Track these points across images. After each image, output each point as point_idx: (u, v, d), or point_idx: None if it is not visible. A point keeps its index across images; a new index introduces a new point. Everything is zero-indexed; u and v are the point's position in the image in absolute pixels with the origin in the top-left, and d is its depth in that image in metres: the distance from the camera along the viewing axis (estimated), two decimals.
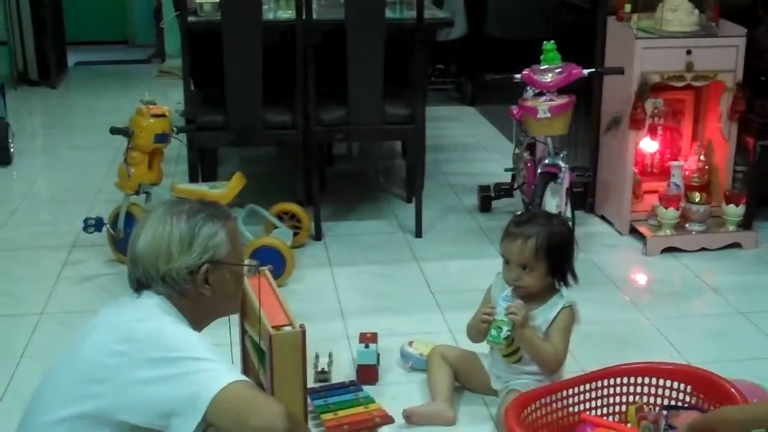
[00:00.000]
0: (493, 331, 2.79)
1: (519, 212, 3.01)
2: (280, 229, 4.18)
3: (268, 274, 3.03)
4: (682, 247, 4.32)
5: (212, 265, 2.06)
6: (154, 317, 1.98)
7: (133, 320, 1.98)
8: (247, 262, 2.27)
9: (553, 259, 2.81)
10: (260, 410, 1.83)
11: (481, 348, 3.03)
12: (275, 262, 3.73)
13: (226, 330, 2.59)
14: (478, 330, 2.89)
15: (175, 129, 4.08)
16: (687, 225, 4.40)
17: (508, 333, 2.77)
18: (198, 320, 2.11)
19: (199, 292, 2.06)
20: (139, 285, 2.09)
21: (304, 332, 2.68)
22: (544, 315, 2.84)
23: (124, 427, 1.92)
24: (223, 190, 3.96)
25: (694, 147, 4.61)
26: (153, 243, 2.04)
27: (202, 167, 4.63)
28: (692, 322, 3.67)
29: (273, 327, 2.68)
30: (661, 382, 2.74)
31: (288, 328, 2.70)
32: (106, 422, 1.90)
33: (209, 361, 1.89)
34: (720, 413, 2.41)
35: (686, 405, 2.69)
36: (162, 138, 4.00)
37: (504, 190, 4.82)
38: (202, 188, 3.99)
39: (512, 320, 2.75)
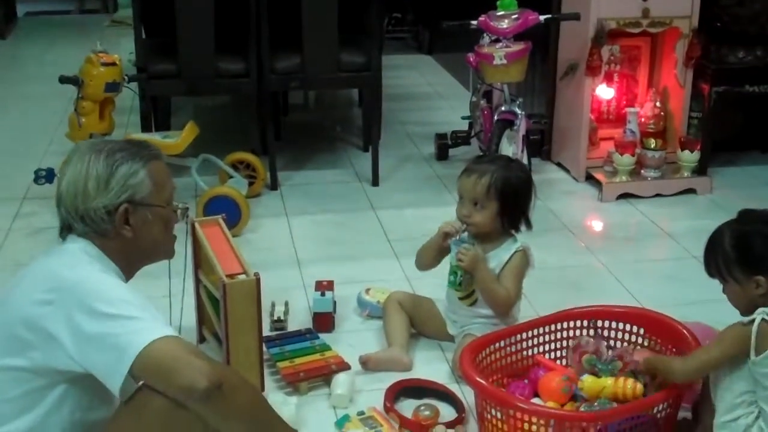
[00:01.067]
0: (450, 277, 2.81)
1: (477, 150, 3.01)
2: (235, 178, 4.14)
3: (222, 223, 3.00)
4: (638, 193, 4.35)
5: (132, 205, 2.00)
6: (80, 264, 1.93)
7: (59, 266, 1.94)
8: (175, 205, 2.18)
9: (505, 201, 2.80)
10: (183, 368, 1.78)
11: (437, 294, 3.04)
12: (230, 212, 3.68)
13: (176, 281, 2.57)
14: (429, 253, 2.93)
15: (126, 78, 4.01)
16: (642, 171, 4.42)
17: (461, 278, 2.78)
18: (127, 264, 2.05)
19: (118, 233, 2.00)
20: (64, 228, 2.04)
21: (258, 280, 2.66)
22: (497, 258, 2.84)
23: (60, 377, 1.89)
24: (176, 140, 3.91)
25: (650, 94, 4.61)
26: (72, 182, 1.99)
27: (155, 117, 4.56)
28: (647, 266, 3.70)
29: (227, 275, 2.66)
30: (614, 324, 2.75)
31: (242, 276, 2.68)
32: (41, 372, 1.88)
33: (136, 317, 1.83)
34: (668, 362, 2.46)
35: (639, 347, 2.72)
36: (113, 87, 3.93)
37: (461, 138, 4.81)
38: (155, 138, 3.92)
39: (459, 265, 2.75)
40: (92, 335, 1.82)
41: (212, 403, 1.79)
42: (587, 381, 2.47)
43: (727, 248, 2.32)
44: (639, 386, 2.41)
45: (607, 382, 2.44)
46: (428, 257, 2.97)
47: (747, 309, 2.30)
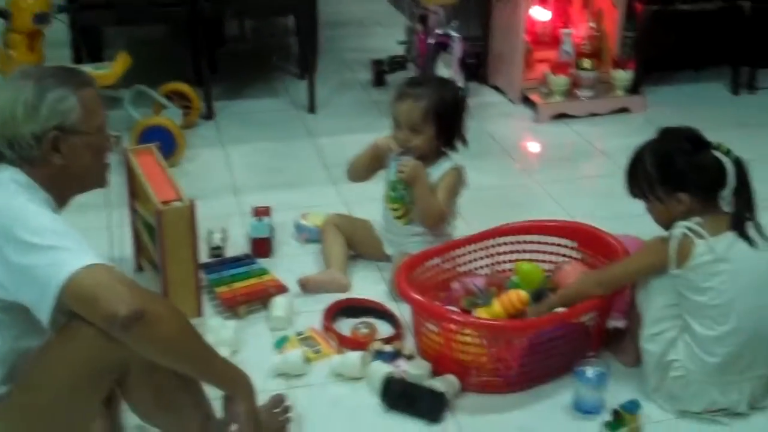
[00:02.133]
0: (391, 192, 2.84)
1: (413, 76, 3.00)
2: (169, 109, 4.09)
3: (156, 151, 2.98)
4: (573, 113, 4.39)
5: (61, 132, 1.97)
6: (7, 193, 1.91)
7: None
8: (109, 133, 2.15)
9: (442, 123, 2.82)
10: (105, 295, 1.75)
11: (374, 216, 3.06)
12: (165, 142, 3.65)
13: (114, 212, 2.55)
14: (361, 162, 2.96)
15: (55, 8, 3.92)
16: (577, 91, 4.46)
17: (403, 191, 2.80)
18: (59, 193, 2.02)
19: (48, 161, 1.97)
20: None
21: (193, 206, 2.66)
22: (431, 176, 2.86)
23: None
24: (108, 71, 3.85)
25: (584, 14, 4.63)
26: (0, 109, 1.96)
27: (87, 49, 4.47)
28: (582, 184, 3.76)
29: (161, 202, 2.65)
30: (547, 239, 2.80)
31: (177, 203, 2.67)
32: None
33: (60, 247, 1.79)
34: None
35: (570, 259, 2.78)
36: (41, 18, 3.83)
37: (398, 63, 4.79)
38: (85, 69, 3.84)
39: (400, 178, 2.77)
40: (18, 266, 1.80)
41: (134, 332, 1.76)
42: (481, 313, 2.51)
43: (648, 168, 2.36)
44: (521, 293, 2.48)
45: (495, 306, 2.49)
46: (361, 166, 2.99)
47: (670, 226, 2.35)
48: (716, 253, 2.24)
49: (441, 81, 3.06)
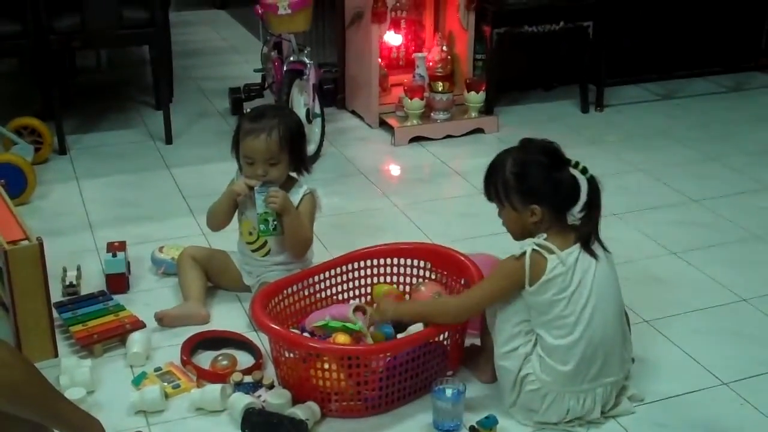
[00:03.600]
0: (262, 226, 2.81)
1: (248, 110, 2.99)
2: (19, 145, 3.98)
3: (1, 190, 2.90)
4: (429, 136, 4.47)
5: None
6: None
7: None
8: None
9: (293, 149, 2.83)
10: None
11: (232, 246, 3.04)
12: (15, 179, 3.57)
13: None
14: (221, 210, 2.93)
15: None
16: (432, 114, 4.54)
17: (275, 222, 2.79)
18: None
19: None
20: None
21: (41, 244, 2.58)
22: None
23: None
24: None
25: (436, 38, 4.73)
26: None
27: None
28: (439, 205, 3.83)
29: (8, 242, 2.57)
30: (402, 261, 2.85)
31: (25, 242, 2.59)
32: None
33: None
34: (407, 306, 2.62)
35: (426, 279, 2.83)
36: None
37: (254, 91, 4.79)
38: None
39: (273, 208, 2.77)
40: None
41: None
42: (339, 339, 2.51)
43: (507, 174, 2.41)
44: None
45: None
46: (222, 214, 2.96)
47: (521, 234, 2.42)
48: (567, 265, 2.31)
49: (278, 108, 3.08)
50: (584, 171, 2.38)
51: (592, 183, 2.37)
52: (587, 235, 2.37)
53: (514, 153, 2.44)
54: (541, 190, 2.37)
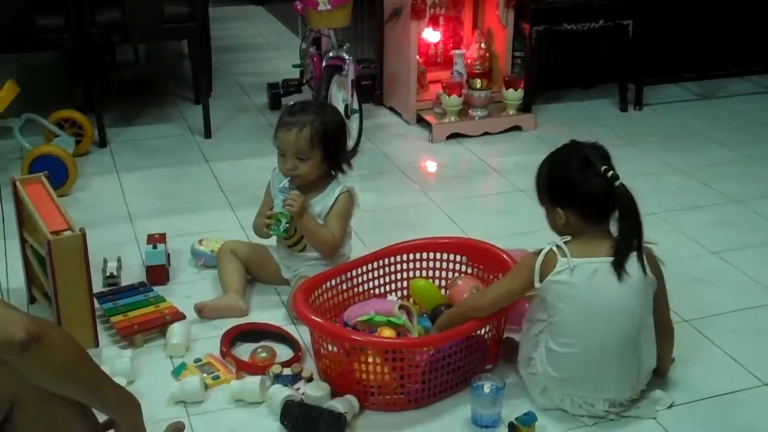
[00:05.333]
0: (275, 225, 2.84)
1: (291, 103, 3.01)
2: (60, 137, 4.02)
3: (45, 181, 2.93)
4: (466, 133, 4.46)
5: None
6: None
7: None
8: None
9: (327, 147, 2.83)
10: None
11: (270, 240, 3.06)
12: (57, 170, 3.60)
13: (3, 243, 2.51)
14: (261, 228, 2.95)
15: None
16: (470, 111, 4.54)
17: (287, 225, 2.81)
18: None
19: None
20: None
21: (84, 235, 2.61)
22: (323, 202, 2.88)
23: None
24: None
25: (475, 35, 4.72)
26: None
27: None
28: (476, 201, 3.82)
29: (51, 232, 2.60)
30: (439, 255, 2.85)
31: (67, 233, 2.62)
32: None
33: None
34: (466, 301, 2.57)
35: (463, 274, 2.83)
36: None
37: (293, 86, 4.81)
38: None
39: (289, 211, 2.78)
40: None
41: (30, 356, 1.75)
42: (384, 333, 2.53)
43: (541, 176, 2.41)
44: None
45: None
46: (260, 232, 2.99)
47: (557, 233, 2.41)
48: (571, 276, 2.27)
49: (320, 105, 3.08)
50: (613, 178, 2.26)
51: (620, 192, 2.25)
52: (619, 251, 2.27)
53: (551, 153, 2.42)
54: (563, 194, 2.34)
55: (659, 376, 2.51)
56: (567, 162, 2.35)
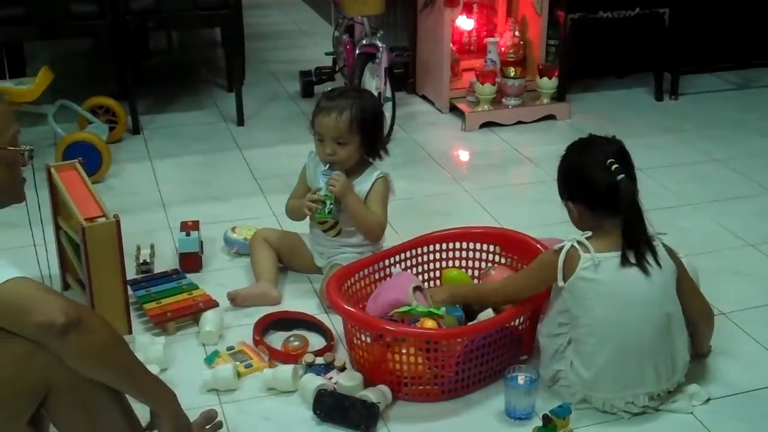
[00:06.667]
0: (319, 207, 2.81)
1: (330, 89, 3.00)
2: (94, 124, 4.04)
3: (79, 167, 2.94)
4: (500, 122, 4.43)
5: None
6: None
7: None
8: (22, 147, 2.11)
9: (365, 132, 2.82)
10: (39, 305, 1.74)
11: (303, 228, 3.05)
12: (90, 157, 3.61)
13: (39, 230, 2.52)
14: (297, 210, 2.92)
15: None
16: (504, 100, 4.51)
17: (332, 206, 2.79)
18: None
19: None
20: None
21: (118, 222, 2.62)
22: (359, 187, 2.86)
23: None
24: (29, 86, 3.78)
25: (508, 23, 4.68)
26: None
27: (8, 64, 4.39)
28: (509, 191, 3.79)
29: (86, 219, 2.61)
30: (472, 245, 2.83)
31: (101, 219, 2.63)
32: None
33: None
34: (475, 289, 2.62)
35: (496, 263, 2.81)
36: None
37: (325, 74, 4.80)
38: (7, 85, 3.79)
39: (331, 191, 2.77)
40: None
41: (70, 339, 1.76)
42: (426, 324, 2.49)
43: (558, 170, 2.41)
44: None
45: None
46: (296, 215, 2.99)
47: (576, 227, 2.39)
48: (597, 272, 2.25)
49: (358, 91, 3.07)
50: (616, 172, 2.24)
51: (622, 186, 2.23)
52: (627, 244, 2.26)
53: (569, 148, 2.41)
54: (572, 187, 2.35)
55: (702, 358, 2.52)
56: (576, 156, 2.37)
